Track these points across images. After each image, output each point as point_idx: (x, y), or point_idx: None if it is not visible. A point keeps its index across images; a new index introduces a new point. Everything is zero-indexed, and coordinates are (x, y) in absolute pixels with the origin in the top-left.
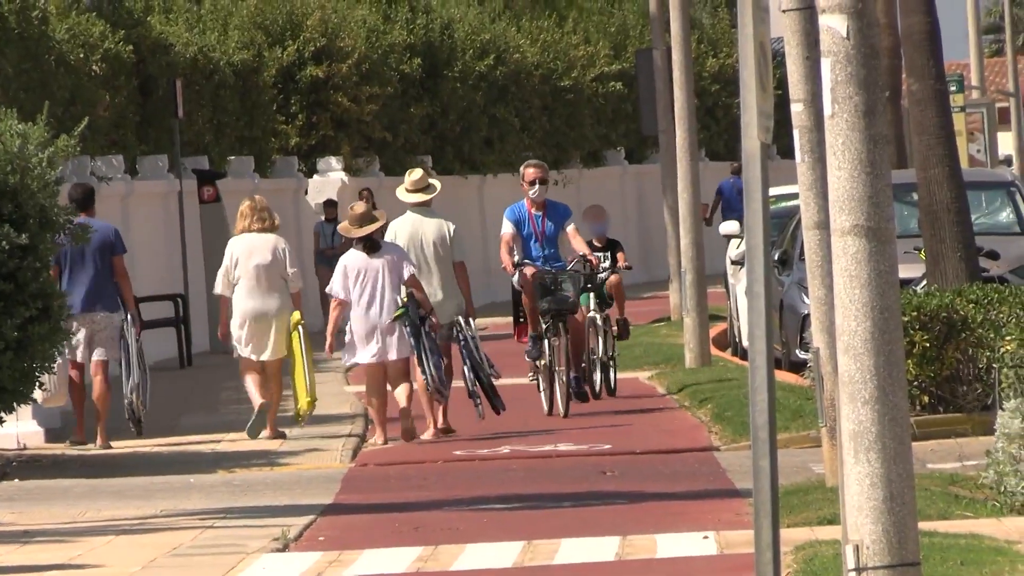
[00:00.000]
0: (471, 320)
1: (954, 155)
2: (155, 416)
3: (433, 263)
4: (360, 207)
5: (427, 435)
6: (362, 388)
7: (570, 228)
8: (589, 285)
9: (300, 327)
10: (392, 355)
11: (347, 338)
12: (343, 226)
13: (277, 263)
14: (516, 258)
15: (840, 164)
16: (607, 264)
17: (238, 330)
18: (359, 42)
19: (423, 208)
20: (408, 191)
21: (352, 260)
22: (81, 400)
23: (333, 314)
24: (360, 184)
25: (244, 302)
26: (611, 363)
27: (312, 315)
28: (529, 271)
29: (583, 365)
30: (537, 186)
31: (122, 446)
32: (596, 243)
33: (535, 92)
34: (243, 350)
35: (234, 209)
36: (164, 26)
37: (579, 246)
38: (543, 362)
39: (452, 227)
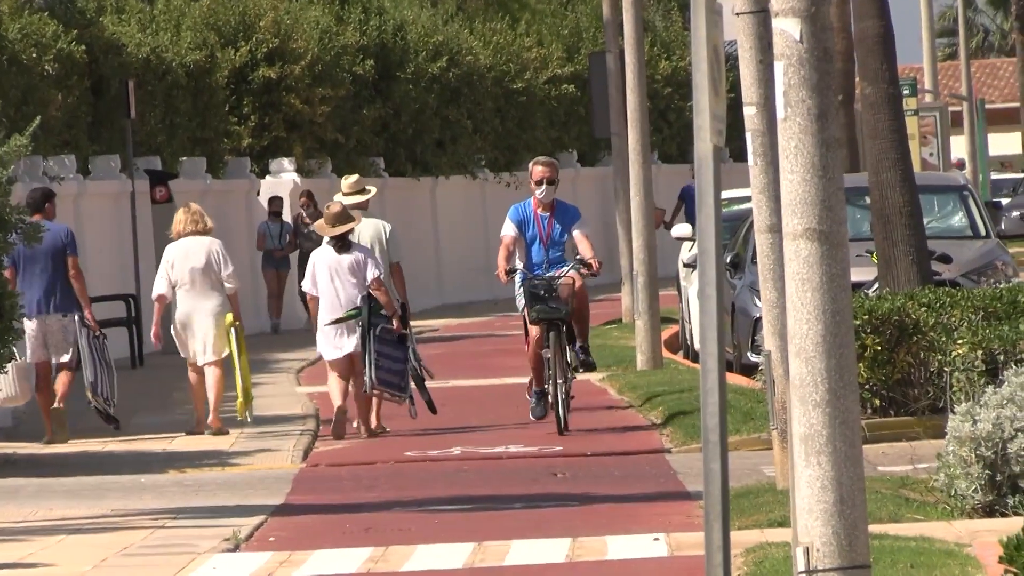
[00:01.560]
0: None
1: (907, 159)
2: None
3: None
4: (336, 207)
5: (359, 432)
6: (314, 388)
7: (577, 232)
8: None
9: (234, 328)
10: (354, 349)
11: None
12: (319, 224)
13: (212, 265)
14: (513, 264)
15: (792, 167)
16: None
17: (178, 332)
18: (312, 43)
19: (360, 210)
20: (345, 194)
21: (322, 257)
22: (47, 402)
23: (311, 307)
24: (313, 185)
25: (181, 304)
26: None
27: (256, 317)
28: (525, 279)
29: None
30: (545, 186)
31: (72, 447)
32: None
33: (488, 94)
34: (183, 351)
35: None
36: (117, 26)
37: (585, 251)
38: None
39: (389, 228)
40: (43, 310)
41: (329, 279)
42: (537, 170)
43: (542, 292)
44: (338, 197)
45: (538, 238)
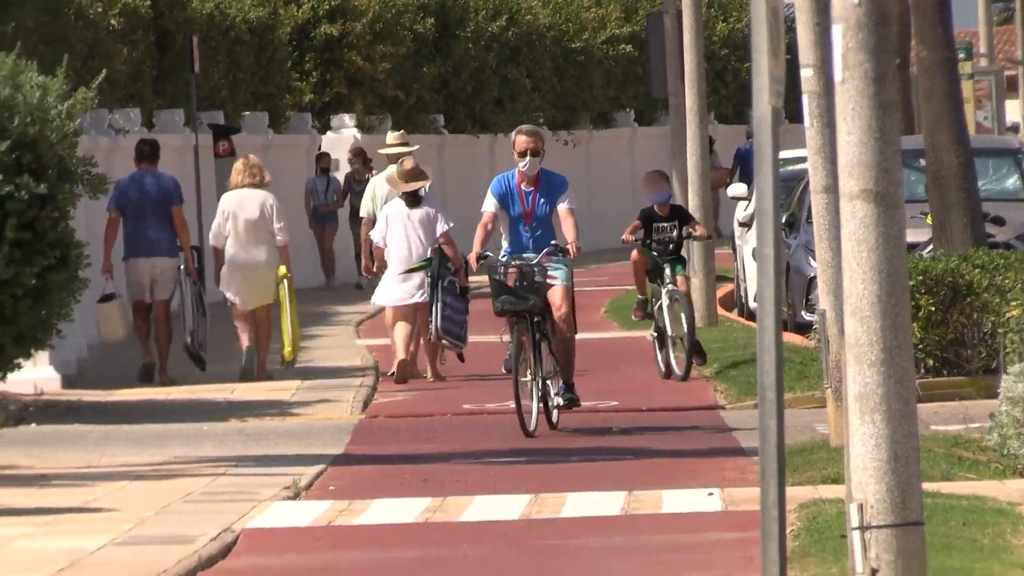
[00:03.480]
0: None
1: (962, 122)
2: (173, 365)
3: None
4: (409, 163)
5: (427, 377)
6: (373, 341)
7: (562, 206)
8: (663, 257)
9: (286, 280)
10: (419, 299)
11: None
12: (390, 178)
13: (264, 218)
14: (486, 249)
15: (850, 129)
16: (675, 236)
17: (228, 279)
18: (373, 1)
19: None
20: (388, 144)
21: (393, 211)
22: (145, 334)
23: (376, 253)
24: (374, 141)
25: (233, 254)
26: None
27: (306, 271)
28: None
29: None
30: (528, 159)
31: (137, 395)
32: (659, 212)
33: (547, 53)
34: (232, 298)
35: None
36: None
37: (567, 229)
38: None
39: (428, 185)
40: (149, 253)
41: (401, 232)
42: (520, 140)
43: (514, 281)
44: (384, 151)
45: (520, 215)
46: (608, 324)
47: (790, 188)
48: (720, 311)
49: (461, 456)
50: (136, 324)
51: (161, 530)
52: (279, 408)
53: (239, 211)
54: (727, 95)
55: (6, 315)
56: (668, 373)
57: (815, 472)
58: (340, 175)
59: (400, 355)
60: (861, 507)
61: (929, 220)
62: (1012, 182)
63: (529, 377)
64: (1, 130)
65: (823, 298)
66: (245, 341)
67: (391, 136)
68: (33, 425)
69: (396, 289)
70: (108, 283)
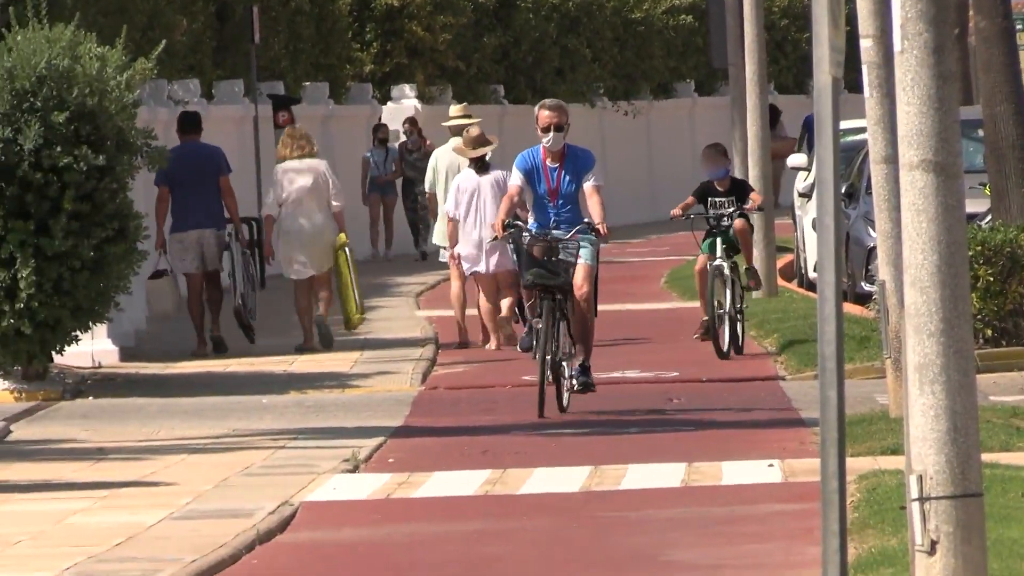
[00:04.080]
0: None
1: (1020, 92)
2: (229, 338)
3: None
4: (475, 130)
5: (491, 345)
6: (433, 312)
7: (588, 184)
8: (716, 231)
9: (346, 248)
10: (499, 266)
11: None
12: (458, 147)
13: (319, 186)
14: (512, 218)
15: (909, 100)
16: (732, 212)
17: (285, 250)
18: None
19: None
20: (451, 116)
21: (464, 179)
22: (199, 312)
23: (448, 228)
24: (434, 112)
25: (290, 222)
26: (739, 317)
27: (359, 242)
28: (525, 237)
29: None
30: (552, 133)
31: (193, 367)
32: (719, 187)
33: (607, 24)
34: (286, 268)
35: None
36: None
37: (593, 208)
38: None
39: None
40: (199, 225)
41: (469, 200)
42: (543, 115)
43: (543, 253)
44: (447, 123)
45: (546, 192)
46: (668, 295)
47: (850, 158)
48: (780, 282)
49: (520, 428)
50: (190, 299)
51: (219, 504)
52: (338, 380)
53: (293, 181)
54: (787, 65)
55: (64, 288)
56: (720, 353)
57: (874, 443)
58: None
59: (503, 313)
60: (920, 478)
61: (987, 191)
62: None
63: (550, 357)
64: (60, 101)
65: (883, 269)
66: (306, 312)
67: (454, 108)
68: (91, 398)
69: (473, 258)
70: (161, 259)
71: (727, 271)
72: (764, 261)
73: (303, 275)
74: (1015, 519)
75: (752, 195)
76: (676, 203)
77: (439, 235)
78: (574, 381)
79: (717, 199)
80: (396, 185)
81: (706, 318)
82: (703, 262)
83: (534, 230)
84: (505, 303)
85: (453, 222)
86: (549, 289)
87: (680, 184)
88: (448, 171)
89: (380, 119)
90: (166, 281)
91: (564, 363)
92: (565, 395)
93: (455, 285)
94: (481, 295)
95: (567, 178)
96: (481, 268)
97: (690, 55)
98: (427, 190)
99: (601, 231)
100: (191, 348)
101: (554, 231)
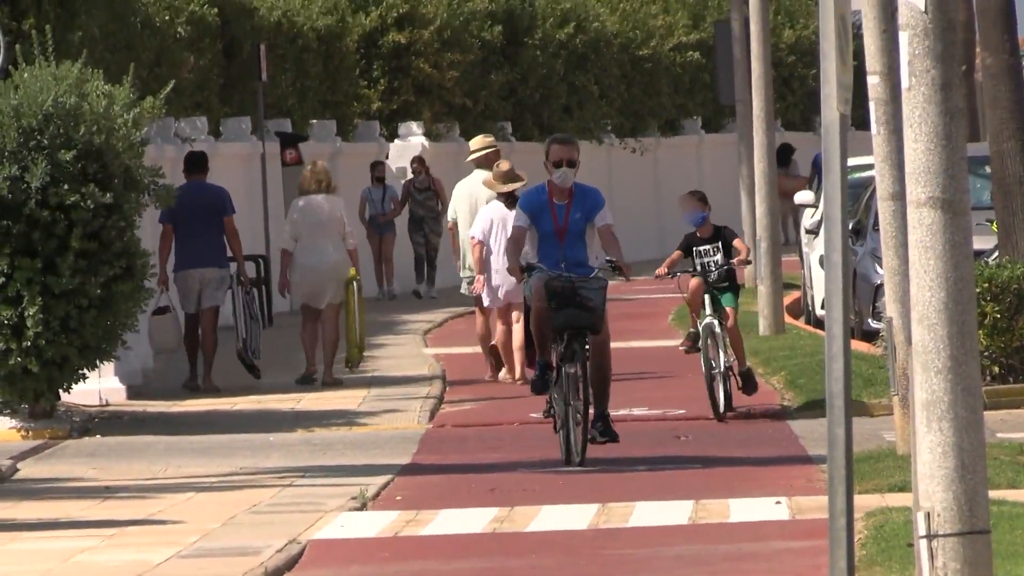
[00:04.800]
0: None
1: None
2: (235, 375)
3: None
4: (505, 165)
5: (504, 376)
6: (440, 350)
7: (603, 226)
8: (705, 282)
9: (355, 282)
10: (512, 297)
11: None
12: (487, 180)
13: (334, 221)
14: (527, 261)
15: (916, 136)
16: (719, 259)
17: (298, 282)
18: (441, 9)
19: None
20: (472, 150)
21: (494, 211)
22: (194, 348)
23: (475, 253)
24: (441, 149)
25: (303, 256)
26: (730, 373)
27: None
28: (543, 279)
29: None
30: (564, 168)
31: (201, 405)
32: (700, 235)
33: (614, 60)
34: (301, 299)
35: None
36: None
37: (609, 247)
38: (554, 396)
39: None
40: (201, 263)
41: (497, 231)
42: (555, 149)
43: (568, 296)
44: (472, 157)
45: (554, 231)
46: (675, 332)
47: (857, 195)
48: (787, 318)
49: (528, 465)
50: (188, 335)
51: (227, 542)
52: (346, 418)
53: (309, 216)
54: (794, 102)
55: (71, 326)
56: (717, 413)
57: (882, 480)
58: (399, 184)
59: (514, 353)
60: (928, 515)
61: (994, 227)
62: None
63: (576, 402)
64: (67, 139)
65: (890, 305)
66: (312, 345)
67: (476, 141)
68: (98, 436)
69: (490, 290)
70: (162, 295)
71: (717, 329)
72: (771, 298)
73: (316, 305)
74: (1022, 556)
75: (736, 243)
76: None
77: (466, 268)
78: (595, 431)
79: (701, 247)
80: (394, 224)
81: (693, 330)
82: (697, 283)
83: (543, 269)
84: (517, 331)
85: (480, 245)
86: (579, 331)
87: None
88: (470, 203)
89: (387, 156)
90: (169, 318)
91: (583, 412)
92: (576, 451)
93: (479, 321)
94: (499, 326)
95: (577, 216)
96: (502, 299)
97: (697, 92)
98: (449, 220)
99: (625, 271)
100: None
101: (570, 272)
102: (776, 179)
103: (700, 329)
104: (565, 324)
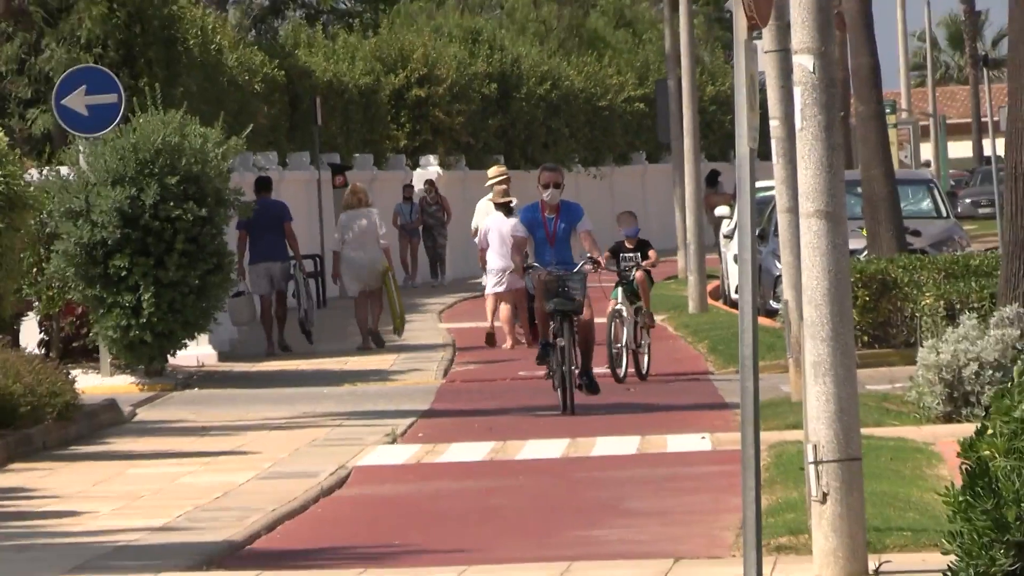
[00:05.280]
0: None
1: (888, 159)
2: (299, 343)
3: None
4: (501, 188)
5: (506, 345)
6: (452, 325)
7: (583, 231)
8: (622, 281)
9: (390, 273)
10: (517, 285)
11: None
12: (492, 197)
13: (372, 227)
14: (528, 261)
15: (807, 165)
16: (638, 260)
17: (348, 275)
18: (451, 71)
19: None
20: (490, 177)
21: (494, 221)
22: (269, 323)
23: (480, 255)
24: (452, 176)
25: (351, 255)
26: (640, 350)
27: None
28: (540, 275)
29: (591, 360)
30: (551, 190)
31: (273, 366)
32: (628, 244)
33: (580, 109)
34: (350, 288)
35: None
36: (308, 57)
37: (589, 247)
38: (552, 363)
39: (512, 202)
40: (269, 258)
41: (498, 236)
42: (544, 175)
43: (557, 287)
44: (490, 182)
45: (546, 237)
46: None
47: (762, 209)
48: (709, 301)
49: (517, 411)
50: (263, 314)
51: (293, 467)
52: (381, 375)
53: (353, 224)
54: (714, 139)
55: (176, 307)
56: (616, 378)
57: (780, 421)
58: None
59: (503, 326)
60: (815, 447)
61: (864, 233)
62: (926, 204)
63: (567, 368)
64: (172, 168)
65: (786, 291)
66: (363, 321)
67: (494, 169)
68: (196, 389)
69: (494, 280)
70: (240, 283)
71: (625, 314)
72: (697, 285)
73: (359, 291)
74: (885, 477)
75: (650, 252)
76: None
77: (488, 285)
78: (583, 382)
79: (626, 255)
80: (419, 230)
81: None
82: (613, 306)
83: (539, 267)
84: (512, 315)
85: (483, 251)
86: (566, 314)
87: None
88: (488, 214)
89: (411, 182)
90: (244, 300)
91: (569, 372)
92: (573, 400)
93: (503, 309)
94: (502, 307)
95: (562, 226)
96: (502, 288)
97: (642, 132)
98: (473, 227)
99: (601, 261)
100: (268, 352)
101: (557, 269)
102: (703, 198)
103: (609, 314)
104: (555, 309)
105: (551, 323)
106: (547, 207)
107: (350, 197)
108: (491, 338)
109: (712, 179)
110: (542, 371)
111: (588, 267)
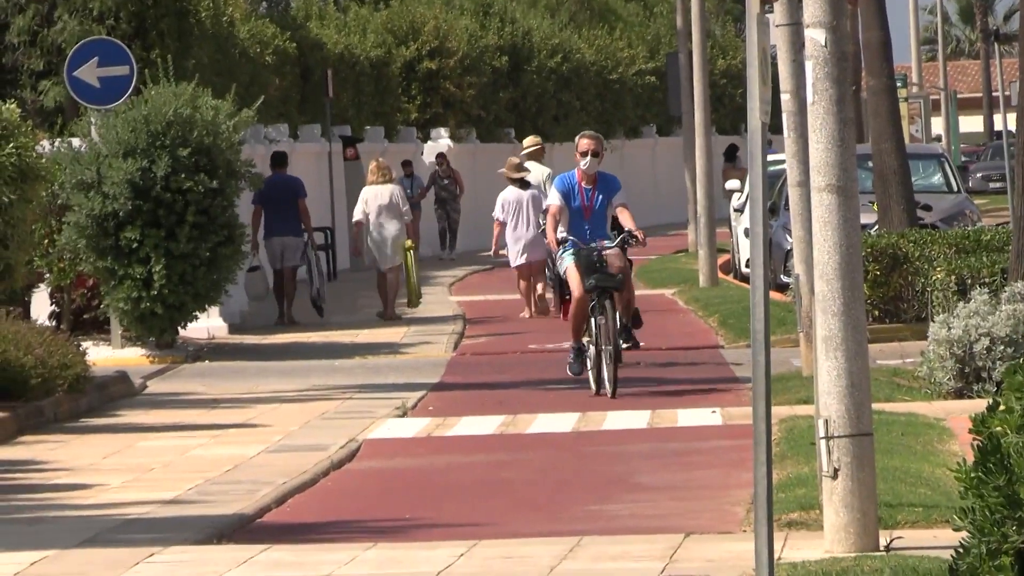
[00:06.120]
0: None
1: (899, 134)
2: (310, 316)
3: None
4: (515, 160)
5: (525, 315)
6: (462, 297)
7: (620, 204)
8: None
9: (411, 250)
10: (534, 257)
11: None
12: (508, 169)
13: (393, 203)
14: (561, 234)
15: (818, 139)
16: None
17: (371, 249)
18: (462, 44)
19: (534, 160)
20: (524, 148)
21: (509, 194)
22: (281, 296)
23: (495, 230)
24: (462, 149)
25: (373, 230)
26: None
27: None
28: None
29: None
30: (589, 158)
31: (284, 338)
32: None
33: (591, 83)
34: (373, 261)
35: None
36: (319, 29)
37: (626, 221)
38: (587, 341)
39: (547, 172)
40: (283, 233)
41: (513, 209)
42: (583, 142)
43: (596, 263)
44: (524, 151)
45: (582, 209)
46: (636, 285)
47: (773, 183)
48: (720, 275)
49: (528, 384)
50: (275, 287)
51: (303, 440)
52: (392, 348)
53: (375, 199)
54: (725, 113)
55: (187, 279)
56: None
57: (791, 395)
58: (426, 175)
59: (539, 292)
60: (826, 422)
61: (875, 207)
62: (937, 178)
63: (610, 347)
64: (184, 140)
65: (797, 265)
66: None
67: (528, 140)
68: (207, 362)
69: (514, 253)
70: (253, 257)
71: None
72: (708, 259)
73: (385, 267)
74: (896, 452)
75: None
76: (644, 217)
77: (511, 257)
78: (621, 338)
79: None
80: (420, 204)
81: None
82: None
83: (570, 241)
84: (539, 285)
85: (499, 225)
86: (607, 290)
87: (645, 202)
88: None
89: (423, 154)
90: (259, 274)
91: (608, 353)
92: (608, 384)
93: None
94: (521, 279)
95: (599, 197)
96: (523, 260)
97: (653, 106)
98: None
99: (640, 237)
100: (274, 324)
101: (597, 243)
102: (723, 170)
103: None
104: (594, 286)
105: (591, 300)
106: (584, 177)
107: (375, 172)
108: (543, 310)
109: (731, 153)
110: (551, 344)
111: (629, 241)
